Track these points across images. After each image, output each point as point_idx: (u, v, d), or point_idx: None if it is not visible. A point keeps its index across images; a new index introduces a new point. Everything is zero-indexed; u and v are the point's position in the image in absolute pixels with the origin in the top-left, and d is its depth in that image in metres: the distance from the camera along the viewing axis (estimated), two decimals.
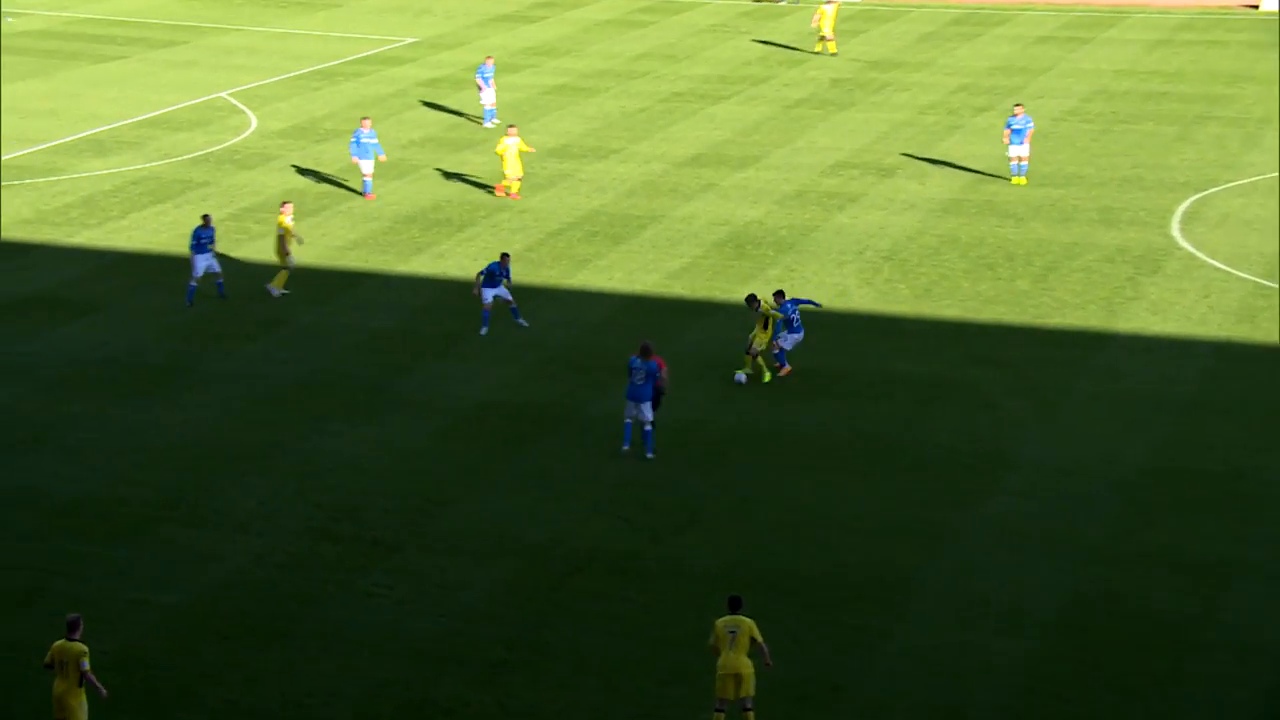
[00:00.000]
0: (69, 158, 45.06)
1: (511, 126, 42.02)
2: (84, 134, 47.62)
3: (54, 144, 46.31)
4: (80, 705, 19.17)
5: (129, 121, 49.25)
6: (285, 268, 35.30)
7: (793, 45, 62.32)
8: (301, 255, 37.23)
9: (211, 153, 46.14)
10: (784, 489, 26.54)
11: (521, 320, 33.05)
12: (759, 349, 30.52)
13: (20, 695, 20.48)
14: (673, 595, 23.23)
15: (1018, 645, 21.99)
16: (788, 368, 30.83)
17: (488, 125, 49.72)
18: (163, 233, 39.32)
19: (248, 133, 48.52)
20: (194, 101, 52.05)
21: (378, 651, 21.84)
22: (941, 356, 32.09)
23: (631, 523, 25.38)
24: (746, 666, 19.72)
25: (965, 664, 21.59)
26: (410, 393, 30.32)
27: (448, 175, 44.54)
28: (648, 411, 27.34)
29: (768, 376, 30.58)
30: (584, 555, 24.41)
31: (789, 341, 30.81)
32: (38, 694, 20.20)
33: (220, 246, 37.39)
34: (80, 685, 19.12)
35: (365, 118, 42.48)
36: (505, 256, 33.21)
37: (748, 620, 19.90)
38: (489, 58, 50.88)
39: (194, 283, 34.54)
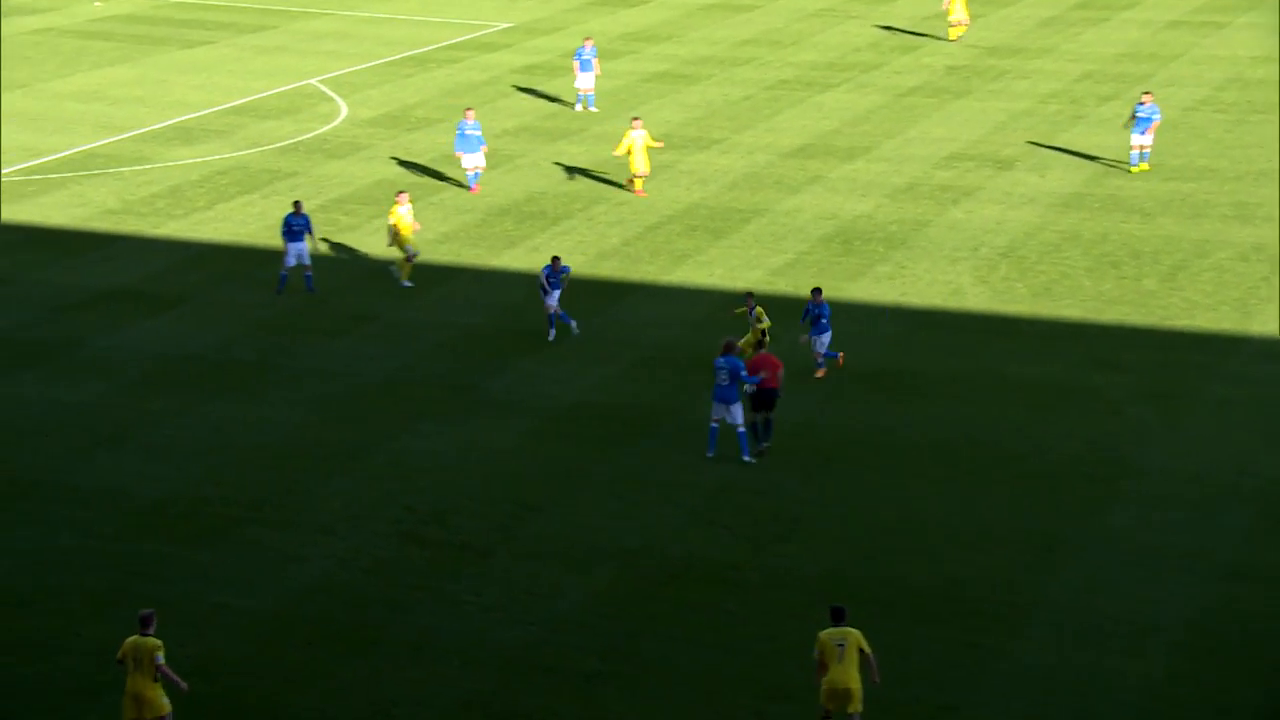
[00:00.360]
0: (156, 146, 45.83)
1: (636, 119, 41.63)
2: (171, 122, 48.41)
3: (140, 132, 47.13)
4: (157, 699, 19.56)
5: (217, 109, 50.00)
6: (407, 257, 35.68)
7: (908, 29, 61.89)
8: (374, 250, 37.61)
9: (300, 141, 46.71)
10: (892, 496, 26.37)
11: (572, 324, 32.76)
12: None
13: (106, 698, 20.84)
14: (774, 606, 23.17)
15: (1142, 666, 21.69)
16: (824, 369, 30.60)
17: (592, 110, 49.91)
18: (250, 224, 39.87)
19: (337, 121, 49.07)
20: (283, 89, 52.74)
21: (466, 660, 21.99)
22: (1061, 359, 31.73)
23: (731, 530, 25.35)
24: (856, 681, 19.57)
25: (1085, 686, 21.31)
26: (501, 392, 30.50)
27: (543, 166, 44.75)
28: (738, 414, 27.29)
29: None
30: (680, 563, 24.41)
31: (821, 345, 30.40)
32: (118, 695, 20.56)
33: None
34: (155, 680, 19.49)
35: (469, 108, 42.62)
36: (555, 260, 32.72)
37: (855, 631, 19.77)
38: (587, 39, 51.06)
39: (285, 271, 35.03)
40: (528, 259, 37.59)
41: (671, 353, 32.16)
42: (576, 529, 25.47)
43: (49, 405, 29.56)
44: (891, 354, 32.28)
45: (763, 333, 30.21)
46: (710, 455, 27.46)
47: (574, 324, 32.88)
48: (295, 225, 34.85)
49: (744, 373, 27.21)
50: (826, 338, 30.53)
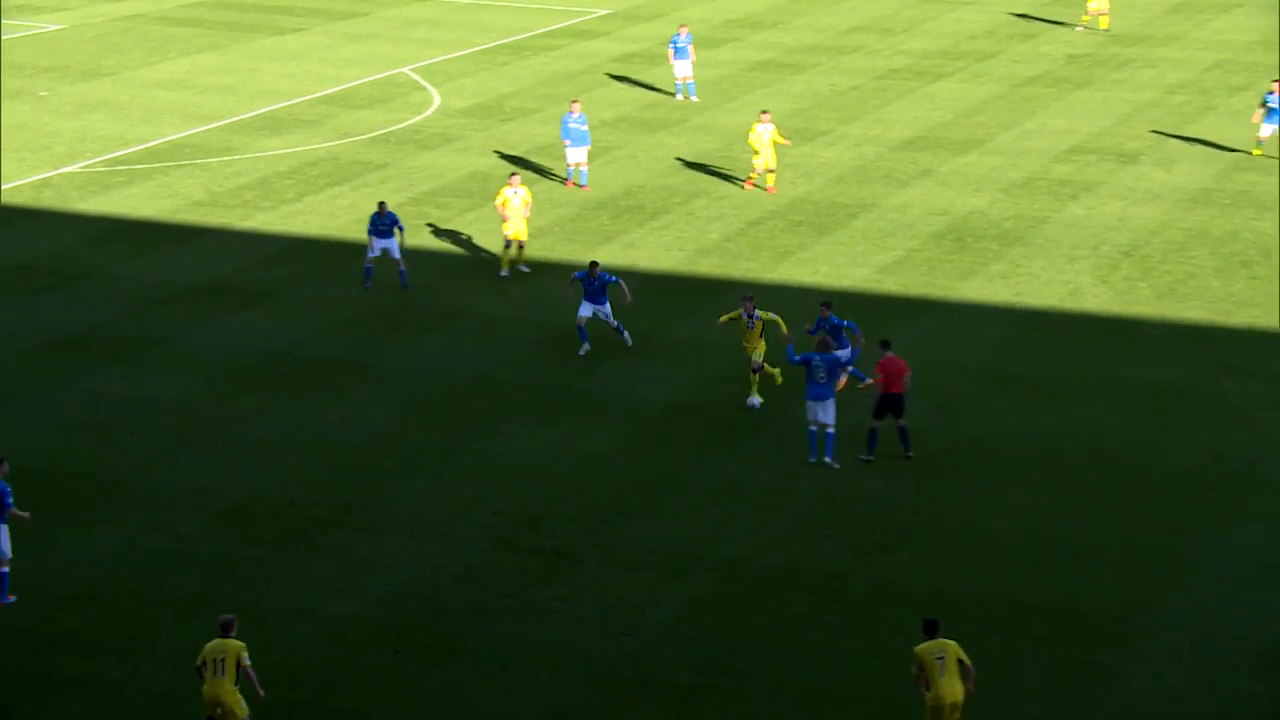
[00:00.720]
0: (244, 136, 46.45)
1: (764, 113, 41.33)
2: (260, 111, 49.04)
3: (229, 121, 47.79)
4: (237, 704, 19.89)
5: (306, 98, 50.58)
6: (505, 244, 36.23)
7: (1028, 14, 61.30)
8: (485, 242, 37.85)
9: (391, 132, 47.14)
10: (1005, 506, 26.15)
11: (626, 337, 32.03)
12: (760, 362, 29.43)
13: (186, 704, 21.15)
14: (878, 619, 23.06)
15: (1270, 689, 21.33)
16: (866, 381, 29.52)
17: (693, 99, 49.96)
18: (339, 217, 40.28)
19: (430, 111, 49.46)
20: (375, 77, 53.25)
21: (556, 671, 22.08)
22: (1186, 364, 31.30)
23: (835, 540, 25.26)
24: (962, 694, 19.55)
25: (1209, 709, 21.01)
26: (596, 393, 30.59)
27: (641, 158, 44.82)
28: (831, 413, 27.27)
29: (779, 377, 30.01)
30: (782, 574, 24.37)
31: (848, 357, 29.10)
32: (201, 702, 20.87)
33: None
34: (236, 684, 19.83)
35: (575, 100, 42.72)
36: (593, 266, 31.76)
37: (952, 643, 19.74)
38: (682, 26, 51.11)
39: (369, 264, 35.39)
40: (624, 255, 37.66)
41: (773, 353, 32.07)
42: (672, 536, 25.49)
43: (134, 402, 30.05)
44: (1005, 357, 32.00)
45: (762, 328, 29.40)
46: (812, 460, 27.39)
47: (628, 338, 31.95)
48: (381, 225, 35.18)
49: (797, 358, 27.39)
50: (846, 354, 29.06)
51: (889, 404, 27.50)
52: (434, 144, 46.05)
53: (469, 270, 36.86)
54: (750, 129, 41.63)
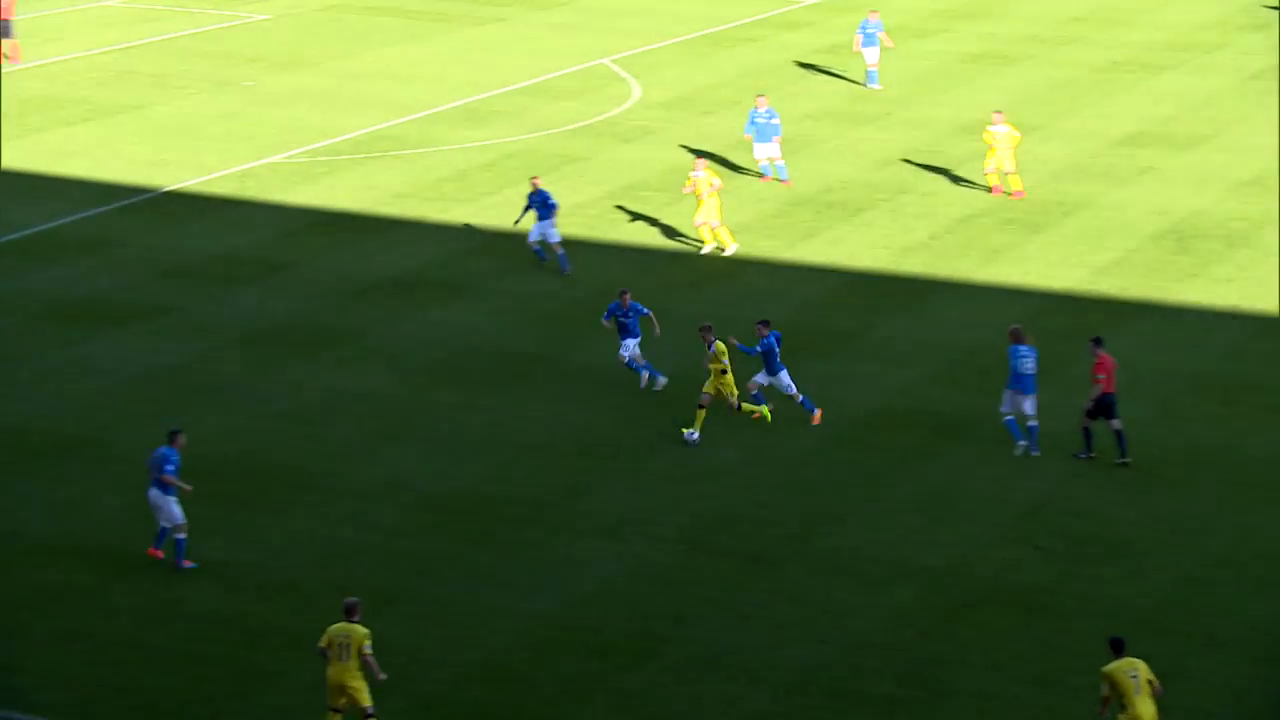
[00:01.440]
0: (443, 128, 47.26)
1: (998, 112, 40.55)
2: (459, 103, 49.85)
3: (428, 113, 48.65)
4: (362, 689, 20.38)
5: (505, 89, 51.29)
6: (711, 226, 36.98)
7: (1263, 3, 59.72)
8: (683, 238, 38.04)
9: (590, 124, 47.59)
10: (1226, 520, 25.60)
11: (660, 378, 30.22)
12: (735, 398, 28.34)
13: (382, 701, 21.65)
14: (1089, 636, 22.70)
15: None
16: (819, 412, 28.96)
17: (874, 87, 49.67)
18: None
19: (629, 103, 49.82)
20: (574, 69, 53.79)
21: (753, 679, 22.14)
22: None
23: (1044, 551, 24.94)
24: (1156, 714, 19.29)
25: None
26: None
27: (845, 153, 44.64)
28: (1031, 404, 27.34)
29: (766, 414, 28.88)
30: (988, 585, 24.14)
31: (773, 380, 28.50)
32: (395, 699, 21.38)
33: (595, 226, 38.62)
34: (360, 670, 20.30)
35: (760, 94, 42.75)
36: (624, 294, 30.30)
37: (1141, 662, 19.59)
38: (873, 12, 50.76)
39: (535, 246, 36.46)
40: (826, 252, 37.56)
41: (981, 357, 31.73)
42: (874, 544, 25.40)
43: (332, 394, 30.80)
44: (1231, 365, 31.28)
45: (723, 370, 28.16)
46: (1022, 444, 27.44)
47: (661, 378, 30.26)
48: (532, 201, 36.16)
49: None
50: (784, 377, 28.58)
51: (1105, 404, 27.13)
52: (633, 136, 46.37)
53: (666, 266, 37.08)
54: (985, 133, 40.66)
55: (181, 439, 24.79)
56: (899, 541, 25.42)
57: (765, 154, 41.78)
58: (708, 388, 28.56)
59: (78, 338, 33.08)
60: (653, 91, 51.09)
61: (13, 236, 38.50)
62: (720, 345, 28.48)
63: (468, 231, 39.36)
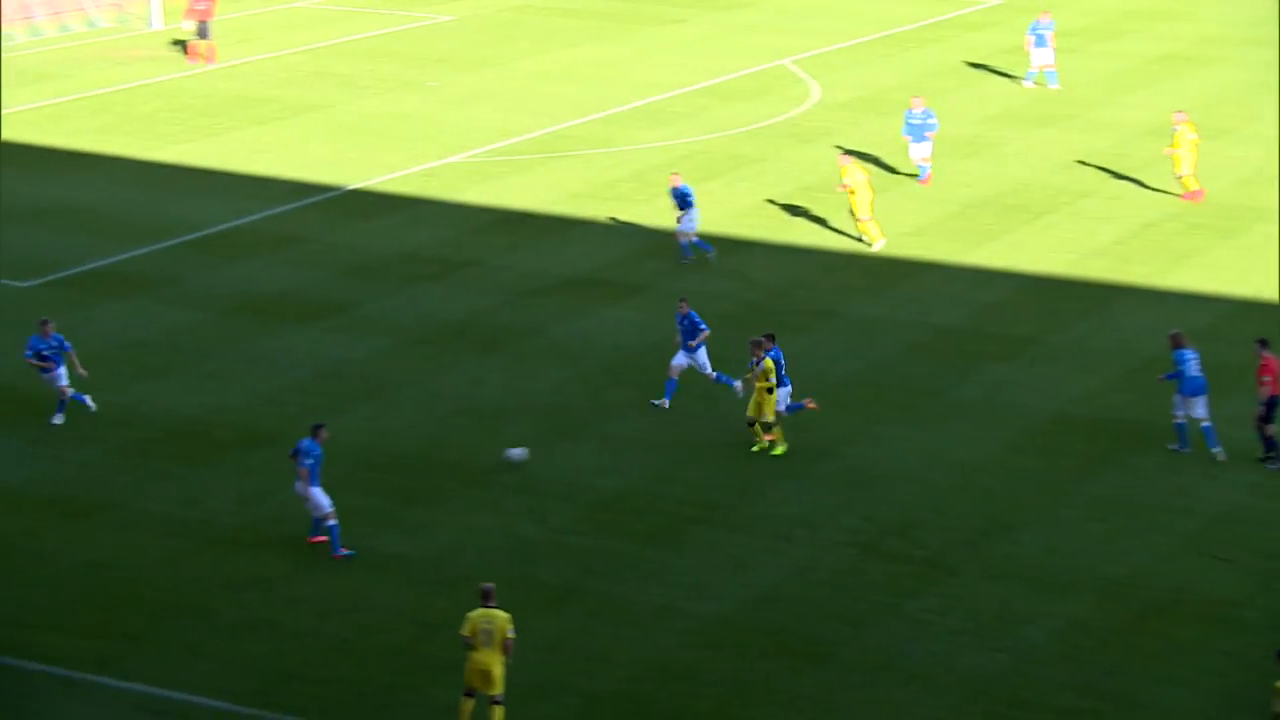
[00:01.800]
0: (622, 128, 47.45)
1: (1179, 113, 39.88)
2: (638, 103, 50.02)
3: (608, 113, 48.88)
4: (503, 675, 20.46)
5: (684, 90, 51.35)
6: (860, 220, 37.14)
7: None
8: (860, 240, 37.77)
9: (769, 125, 47.45)
10: None
11: (735, 382, 29.58)
12: (763, 419, 27.59)
13: (557, 698, 21.78)
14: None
15: None
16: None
17: (1053, 86, 48.97)
18: (712, 210, 40.72)
19: (808, 104, 49.59)
20: (753, 69, 53.67)
21: (928, 685, 21.89)
22: None
23: (1230, 563, 24.32)
24: None
25: None
26: (974, 399, 30.18)
27: (1028, 155, 43.96)
28: (1202, 406, 26.96)
29: (777, 447, 28.02)
30: (1170, 596, 23.61)
31: (783, 399, 27.85)
32: (567, 696, 21.48)
33: (769, 227, 38.49)
34: (505, 656, 20.41)
35: (916, 96, 42.31)
36: (683, 303, 29.96)
37: None
38: (1044, 12, 50.09)
39: (683, 241, 36.87)
40: (1006, 256, 37.03)
41: (1165, 365, 31.01)
42: (1053, 552, 24.98)
43: (510, 392, 31.05)
44: None
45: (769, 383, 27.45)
46: (1172, 447, 27.21)
47: (736, 383, 29.55)
48: (674, 196, 36.49)
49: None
50: (785, 391, 27.97)
51: (1274, 407, 26.50)
52: (811, 138, 46.13)
53: (843, 268, 36.83)
54: (1172, 138, 39.72)
55: (324, 433, 25.39)
56: (1078, 550, 24.96)
57: (918, 154, 41.50)
58: (751, 410, 27.91)
59: (264, 333, 33.77)
60: (832, 92, 50.80)
61: (203, 233, 39.43)
62: (769, 363, 27.75)
63: (644, 231, 39.46)
